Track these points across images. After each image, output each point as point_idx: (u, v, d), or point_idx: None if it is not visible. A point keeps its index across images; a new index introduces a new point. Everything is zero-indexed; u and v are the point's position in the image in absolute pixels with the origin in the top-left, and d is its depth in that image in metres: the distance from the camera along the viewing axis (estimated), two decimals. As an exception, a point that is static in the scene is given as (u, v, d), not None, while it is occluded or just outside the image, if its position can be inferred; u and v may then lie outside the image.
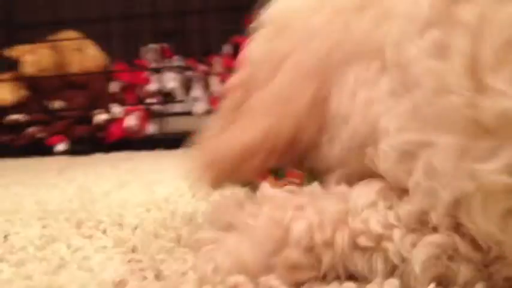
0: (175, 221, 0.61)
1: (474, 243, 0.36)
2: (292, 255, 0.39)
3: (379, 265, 0.38)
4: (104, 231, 0.60)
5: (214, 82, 1.58)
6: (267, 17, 0.57)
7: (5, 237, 0.60)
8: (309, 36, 0.51)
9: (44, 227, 0.65)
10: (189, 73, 1.63)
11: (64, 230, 0.62)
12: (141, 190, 0.86)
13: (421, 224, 0.38)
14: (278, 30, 0.55)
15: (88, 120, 1.61)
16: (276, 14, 0.57)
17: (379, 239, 0.38)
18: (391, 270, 0.38)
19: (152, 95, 1.64)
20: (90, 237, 0.59)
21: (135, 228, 0.60)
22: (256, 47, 0.57)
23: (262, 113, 0.53)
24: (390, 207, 0.39)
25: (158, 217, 0.64)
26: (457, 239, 0.36)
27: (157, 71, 1.65)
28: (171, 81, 1.61)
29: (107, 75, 1.66)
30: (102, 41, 1.76)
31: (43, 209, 0.75)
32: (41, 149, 1.55)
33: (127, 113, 1.59)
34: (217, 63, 1.62)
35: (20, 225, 0.66)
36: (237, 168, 0.54)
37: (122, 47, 1.81)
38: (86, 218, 0.65)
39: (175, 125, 1.61)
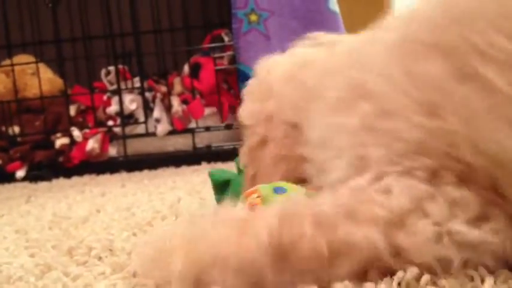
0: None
1: None
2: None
3: None
4: (99, 258, 0.61)
5: (175, 103, 1.60)
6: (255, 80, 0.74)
7: (-2, 268, 0.60)
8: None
9: (31, 255, 0.65)
10: (149, 94, 1.64)
11: (56, 258, 0.62)
12: (119, 214, 0.87)
13: None
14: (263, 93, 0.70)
15: (47, 144, 1.59)
16: (261, 77, 0.73)
17: None
18: None
19: (111, 117, 1.64)
20: (84, 264, 0.60)
21: (129, 253, 0.61)
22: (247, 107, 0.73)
23: None
24: None
25: (149, 241, 0.65)
26: None
27: (114, 93, 1.65)
28: (131, 102, 1.61)
29: (65, 98, 1.65)
30: (57, 64, 1.74)
31: (26, 238, 0.74)
32: (0, 176, 1.51)
33: (87, 136, 1.58)
34: (177, 83, 1.64)
35: (8, 255, 0.66)
36: None
37: (78, 70, 1.80)
38: (75, 245, 0.66)
39: (136, 147, 1.62)
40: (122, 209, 0.91)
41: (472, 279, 0.41)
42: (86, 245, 0.65)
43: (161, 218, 0.79)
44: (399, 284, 0.40)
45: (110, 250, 0.63)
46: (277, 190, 0.58)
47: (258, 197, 0.57)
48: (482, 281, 0.40)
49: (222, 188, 0.78)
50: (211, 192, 1.01)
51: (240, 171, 0.79)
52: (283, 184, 0.60)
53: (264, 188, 0.58)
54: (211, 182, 0.80)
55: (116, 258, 0.59)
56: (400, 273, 0.40)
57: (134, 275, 0.54)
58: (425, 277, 0.40)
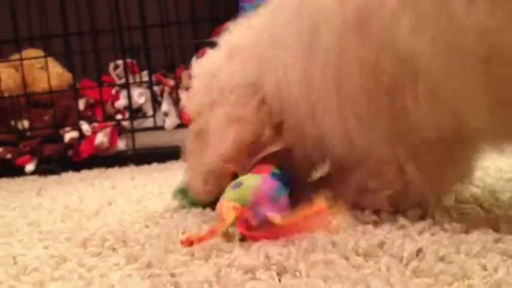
0: (180, 236, 0.63)
1: None
2: None
3: None
4: (113, 249, 0.61)
5: (184, 96, 1.60)
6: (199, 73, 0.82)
7: (14, 258, 0.60)
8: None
9: (46, 247, 0.66)
10: (157, 88, 1.64)
11: (70, 249, 0.63)
12: (131, 207, 0.87)
13: None
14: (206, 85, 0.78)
15: (56, 138, 1.60)
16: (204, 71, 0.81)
17: None
18: None
19: (119, 111, 1.64)
20: (99, 255, 0.60)
21: (143, 244, 0.61)
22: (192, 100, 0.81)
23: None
24: None
25: (161, 232, 0.65)
26: None
27: (122, 87, 1.65)
28: (139, 96, 1.62)
29: (74, 92, 1.65)
30: (65, 58, 1.75)
31: (39, 230, 0.75)
32: (10, 169, 1.52)
33: (96, 130, 1.59)
34: (186, 77, 1.64)
35: (22, 247, 0.66)
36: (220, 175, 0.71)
37: (86, 64, 1.81)
38: (89, 237, 0.66)
39: (145, 140, 1.62)
40: (133, 202, 0.91)
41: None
42: (99, 237, 0.66)
43: (173, 211, 0.80)
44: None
45: (123, 241, 0.64)
46: (236, 185, 0.63)
47: (229, 201, 0.61)
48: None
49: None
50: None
51: None
52: (235, 181, 0.65)
53: (227, 194, 0.63)
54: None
55: (129, 250, 0.60)
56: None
57: (149, 265, 0.54)
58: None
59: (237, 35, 0.78)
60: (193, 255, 0.55)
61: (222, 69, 0.76)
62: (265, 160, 0.71)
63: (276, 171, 0.69)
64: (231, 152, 0.70)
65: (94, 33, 1.74)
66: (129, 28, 1.73)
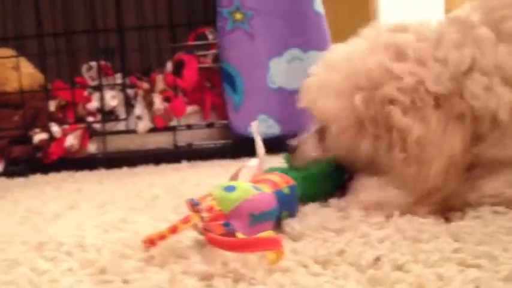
0: (139, 242, 0.61)
1: None
2: None
3: None
4: (68, 254, 0.60)
5: (157, 100, 1.58)
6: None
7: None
8: None
9: (0, 251, 0.64)
10: (130, 91, 1.62)
11: (24, 253, 0.61)
12: (93, 211, 0.85)
13: None
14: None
15: (25, 140, 1.56)
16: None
17: None
18: None
19: (91, 113, 1.62)
20: (53, 259, 0.58)
21: (100, 249, 0.60)
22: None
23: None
24: None
25: (121, 237, 0.64)
26: None
27: (95, 89, 1.63)
28: (112, 99, 1.59)
29: (45, 93, 1.62)
30: (38, 58, 1.72)
31: (-5, 233, 0.73)
32: (-24, 170, 1.48)
33: (67, 132, 1.56)
34: (160, 81, 1.62)
35: (-24, 250, 0.64)
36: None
37: (60, 65, 1.78)
38: (45, 241, 0.64)
39: (117, 144, 1.60)
40: (96, 206, 0.89)
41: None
42: (56, 241, 0.64)
43: (135, 215, 0.78)
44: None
45: (81, 246, 0.62)
46: (228, 189, 0.60)
47: (213, 199, 0.59)
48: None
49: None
50: (190, 189, 1.01)
51: (290, 167, 0.83)
52: (231, 183, 0.62)
53: (215, 189, 0.61)
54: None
55: (85, 254, 0.58)
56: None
57: (102, 271, 0.53)
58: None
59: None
60: (149, 261, 0.54)
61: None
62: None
63: (287, 190, 0.67)
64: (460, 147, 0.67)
65: (69, 34, 1.72)
66: (105, 30, 1.70)
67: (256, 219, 0.58)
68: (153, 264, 0.53)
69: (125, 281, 0.49)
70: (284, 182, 0.68)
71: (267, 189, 0.64)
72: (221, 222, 0.55)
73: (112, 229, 0.70)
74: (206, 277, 0.49)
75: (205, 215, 0.56)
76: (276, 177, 0.69)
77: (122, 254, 0.57)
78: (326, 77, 0.80)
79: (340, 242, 0.57)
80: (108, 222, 0.74)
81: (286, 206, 0.66)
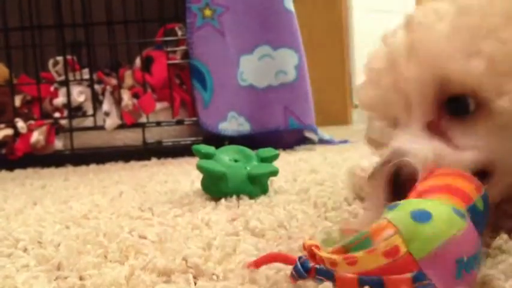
0: (99, 237, 0.60)
1: None
2: None
3: None
4: (25, 250, 0.58)
5: (126, 96, 1.56)
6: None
7: None
8: None
9: (-45, 247, 0.61)
10: (98, 87, 1.60)
11: (-21, 249, 0.59)
12: (56, 207, 0.84)
13: None
14: None
15: (-11, 135, 1.53)
16: None
17: None
18: None
19: (58, 109, 1.59)
20: (9, 256, 0.57)
21: (58, 245, 0.58)
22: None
23: None
24: None
25: (80, 233, 0.62)
26: None
27: (62, 84, 1.60)
28: (79, 95, 1.57)
29: (10, 88, 1.59)
30: (4, 53, 1.68)
31: (-49, 229, 0.70)
32: None
33: (32, 128, 1.53)
34: (128, 76, 1.60)
35: None
36: None
37: (26, 60, 1.74)
38: (3, 237, 0.63)
39: (84, 140, 1.57)
40: (59, 202, 0.87)
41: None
42: (14, 237, 0.62)
43: (98, 211, 0.77)
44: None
45: (39, 242, 0.61)
46: (421, 217, 0.36)
47: (395, 233, 0.35)
48: None
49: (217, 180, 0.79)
50: (156, 187, 0.99)
51: (205, 156, 0.81)
52: (422, 204, 0.38)
53: (397, 217, 0.36)
54: (206, 173, 0.81)
55: (42, 251, 0.56)
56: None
57: (58, 267, 0.51)
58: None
59: None
60: (106, 256, 0.53)
61: None
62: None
63: (481, 204, 0.42)
64: None
65: (35, 28, 1.68)
66: (73, 25, 1.68)
67: (465, 266, 0.35)
68: (112, 260, 0.52)
69: (81, 277, 0.48)
70: (475, 189, 0.43)
71: (459, 205, 0.40)
72: (410, 274, 0.34)
73: (73, 225, 0.69)
74: (166, 272, 0.48)
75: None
76: (461, 182, 0.43)
77: (79, 250, 0.55)
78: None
79: (303, 238, 0.56)
80: (70, 219, 0.72)
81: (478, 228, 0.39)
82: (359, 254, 0.35)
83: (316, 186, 0.85)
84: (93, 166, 1.46)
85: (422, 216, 0.36)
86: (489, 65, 0.46)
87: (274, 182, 0.90)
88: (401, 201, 0.39)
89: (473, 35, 0.47)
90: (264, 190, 0.82)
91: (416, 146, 0.46)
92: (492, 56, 0.46)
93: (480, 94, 0.47)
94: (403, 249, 0.34)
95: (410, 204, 0.38)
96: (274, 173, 0.82)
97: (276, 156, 0.85)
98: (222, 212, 0.72)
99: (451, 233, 0.35)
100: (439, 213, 0.36)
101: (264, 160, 0.85)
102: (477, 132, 0.47)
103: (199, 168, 0.81)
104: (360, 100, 0.56)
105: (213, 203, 0.78)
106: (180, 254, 0.51)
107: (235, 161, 0.84)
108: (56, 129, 1.55)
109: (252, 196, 0.80)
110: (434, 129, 0.48)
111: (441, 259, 0.34)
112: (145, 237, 0.58)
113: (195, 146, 0.84)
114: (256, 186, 0.81)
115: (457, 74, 0.47)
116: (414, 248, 0.34)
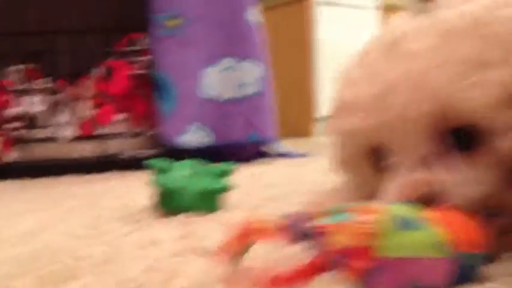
0: (37, 259, 0.57)
1: None
2: None
3: None
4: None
5: (85, 106, 1.52)
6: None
7: None
8: None
9: None
10: (56, 96, 1.56)
11: None
12: (2, 223, 0.80)
13: None
14: None
15: None
16: None
17: None
18: None
19: (15, 119, 1.54)
20: None
21: (-7, 266, 0.55)
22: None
23: None
24: None
25: (20, 252, 0.59)
26: None
27: (21, 93, 1.56)
28: (37, 104, 1.52)
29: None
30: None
31: None
32: None
33: (-14, 139, 1.48)
34: (89, 86, 1.57)
35: None
36: None
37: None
38: None
39: (40, 151, 1.53)
40: (6, 218, 0.84)
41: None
42: None
43: (44, 228, 0.73)
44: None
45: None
46: (408, 224, 0.35)
47: (376, 222, 0.35)
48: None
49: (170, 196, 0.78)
50: (110, 202, 0.96)
51: (159, 171, 0.80)
52: (407, 212, 0.37)
53: (391, 212, 0.36)
54: (159, 188, 0.79)
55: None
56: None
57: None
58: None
59: None
60: (40, 281, 0.50)
61: None
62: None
63: (473, 261, 0.38)
64: None
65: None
66: (34, 33, 1.64)
67: None
68: (43, 286, 0.49)
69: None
70: (479, 245, 0.38)
71: (455, 244, 0.37)
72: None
73: (18, 243, 0.66)
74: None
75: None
76: (472, 230, 0.38)
77: (12, 273, 0.52)
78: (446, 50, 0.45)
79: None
80: (14, 235, 0.69)
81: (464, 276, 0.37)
82: (331, 225, 0.35)
83: (270, 203, 0.83)
84: (49, 179, 1.41)
85: (411, 225, 0.35)
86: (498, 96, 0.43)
87: (229, 197, 0.88)
88: (410, 204, 0.39)
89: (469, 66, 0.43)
90: (217, 206, 0.80)
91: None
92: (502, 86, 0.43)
93: (484, 126, 0.44)
94: (373, 240, 0.34)
95: (413, 211, 0.37)
96: (227, 188, 0.80)
97: (231, 171, 0.84)
98: (173, 229, 0.70)
99: (426, 254, 0.34)
100: (429, 233, 0.35)
101: (220, 175, 0.83)
102: (481, 165, 0.44)
103: (152, 183, 0.79)
104: (338, 126, 0.53)
105: (164, 220, 0.76)
106: (117, 278, 0.48)
107: (190, 176, 0.81)
108: (12, 140, 1.50)
109: (205, 212, 0.78)
110: (432, 161, 0.45)
111: (400, 269, 0.34)
112: (85, 259, 0.55)
113: (149, 161, 0.82)
114: (209, 202, 0.79)
115: (461, 105, 0.43)
116: (383, 245, 0.34)
